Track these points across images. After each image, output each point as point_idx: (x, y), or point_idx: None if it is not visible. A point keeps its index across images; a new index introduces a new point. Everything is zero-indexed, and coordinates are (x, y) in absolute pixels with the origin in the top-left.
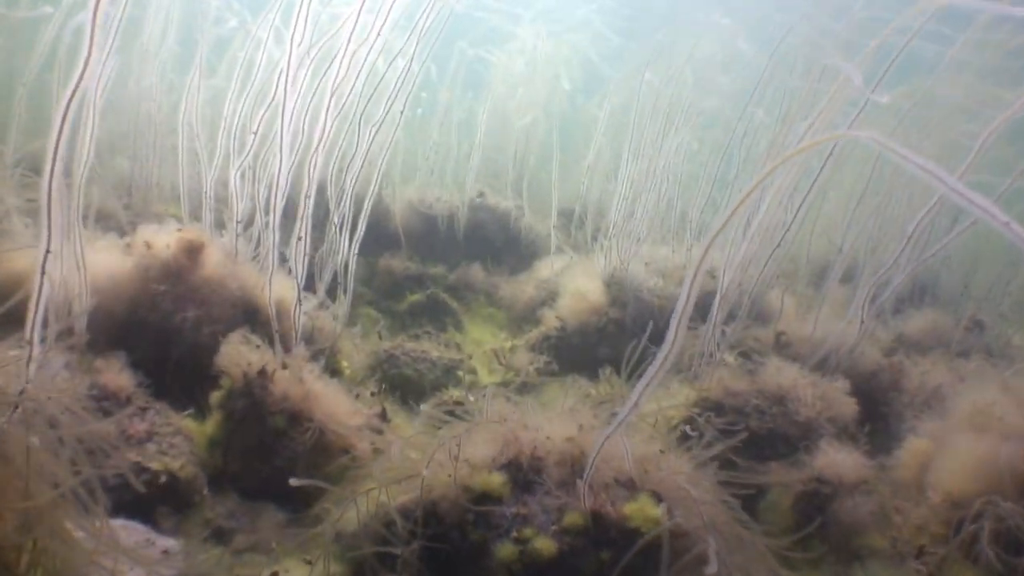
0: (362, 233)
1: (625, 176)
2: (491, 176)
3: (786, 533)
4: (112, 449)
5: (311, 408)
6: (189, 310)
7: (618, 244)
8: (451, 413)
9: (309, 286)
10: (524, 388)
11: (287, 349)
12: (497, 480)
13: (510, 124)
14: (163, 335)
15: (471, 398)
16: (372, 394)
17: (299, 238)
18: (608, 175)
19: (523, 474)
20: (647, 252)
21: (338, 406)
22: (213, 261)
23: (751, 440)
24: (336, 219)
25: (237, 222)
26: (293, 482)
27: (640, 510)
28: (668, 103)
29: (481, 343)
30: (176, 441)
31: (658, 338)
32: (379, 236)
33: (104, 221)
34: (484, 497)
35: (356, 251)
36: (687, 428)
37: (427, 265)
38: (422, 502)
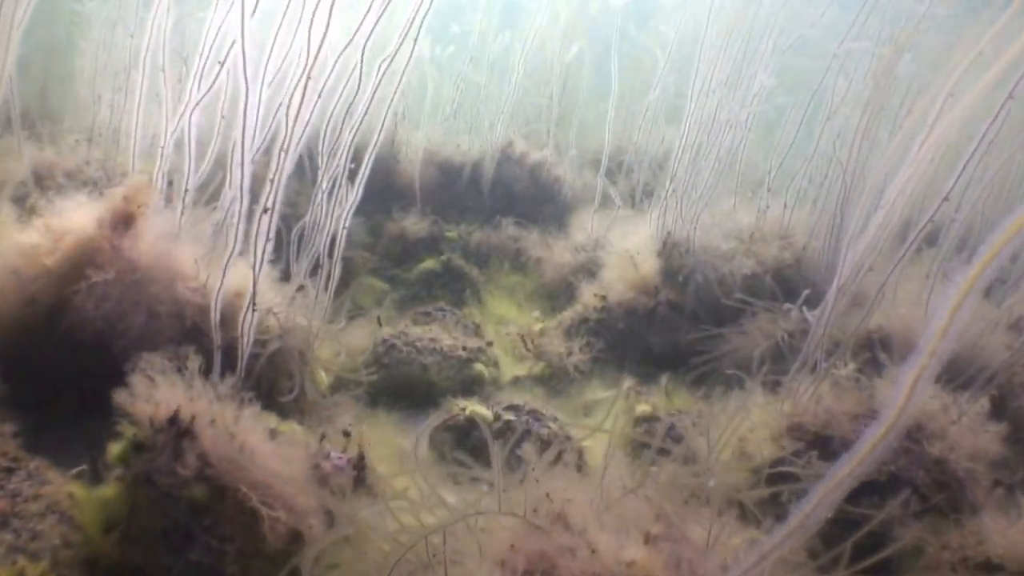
0: (358, 199)
1: (690, 118)
2: (527, 120)
3: None
4: None
5: (247, 472)
6: (97, 316)
7: (678, 201)
8: (462, 437)
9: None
10: (557, 384)
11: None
12: None
13: (551, 60)
14: (57, 357)
15: (489, 415)
16: (345, 433)
17: (265, 209)
18: (667, 118)
19: None
20: (711, 211)
21: (290, 462)
22: (145, 244)
23: (864, 486)
24: (325, 183)
25: (186, 189)
26: None
27: None
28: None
29: (505, 320)
30: (45, 526)
31: (725, 322)
32: (389, 190)
33: (70, 179)
34: None
35: (347, 225)
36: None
37: (445, 225)
38: None
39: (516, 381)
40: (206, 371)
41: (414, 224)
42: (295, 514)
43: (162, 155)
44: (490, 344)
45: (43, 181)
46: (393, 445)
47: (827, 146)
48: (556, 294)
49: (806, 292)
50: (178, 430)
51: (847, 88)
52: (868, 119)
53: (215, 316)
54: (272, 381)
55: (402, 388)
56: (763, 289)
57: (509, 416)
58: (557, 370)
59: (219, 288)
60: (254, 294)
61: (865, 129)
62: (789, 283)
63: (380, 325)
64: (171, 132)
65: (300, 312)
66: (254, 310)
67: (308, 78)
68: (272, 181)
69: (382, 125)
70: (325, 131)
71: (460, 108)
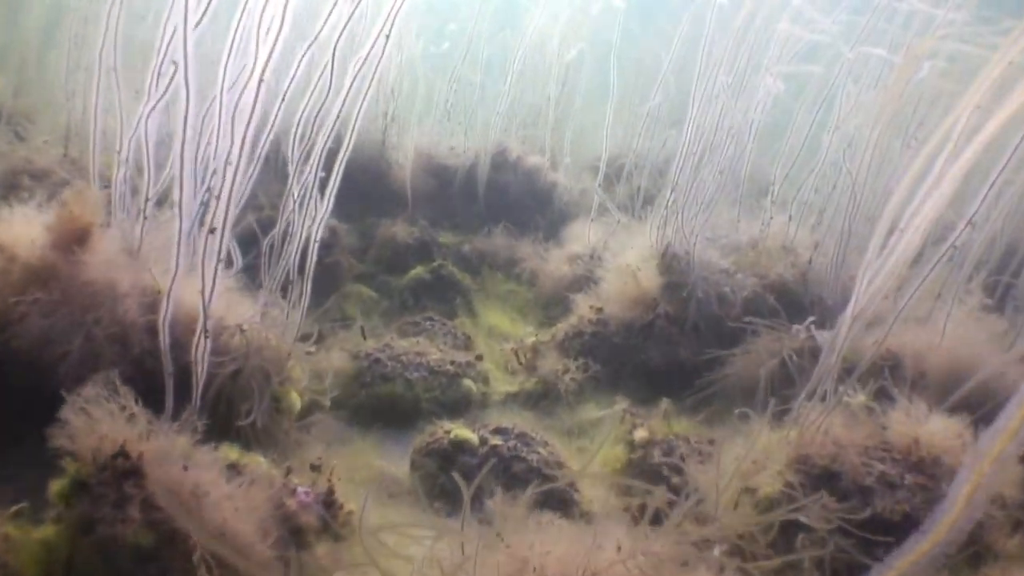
0: (329, 210)
1: (692, 124)
2: (524, 124)
3: None
4: None
5: (198, 517)
6: (38, 338)
7: (679, 211)
8: (445, 462)
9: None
10: (550, 403)
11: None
12: None
13: (549, 61)
14: None
15: (475, 438)
16: (313, 467)
17: (212, 230)
18: (670, 121)
19: None
20: (714, 223)
21: (251, 501)
22: (96, 260)
23: (876, 526)
24: (296, 191)
25: (147, 198)
26: None
27: None
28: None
29: (497, 332)
30: None
31: (726, 340)
32: (380, 193)
33: (40, 180)
34: None
35: (319, 238)
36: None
37: (437, 230)
38: None
39: (507, 398)
40: (158, 401)
41: (405, 229)
42: (252, 563)
43: (119, 162)
44: (480, 358)
45: (14, 180)
46: (373, 468)
47: (836, 156)
48: (551, 304)
49: (811, 319)
50: (123, 468)
51: (857, 95)
52: (880, 129)
53: (164, 340)
54: (236, 407)
55: (385, 406)
56: (766, 306)
57: (496, 440)
58: (550, 387)
59: (166, 310)
60: (205, 320)
61: (877, 140)
62: (794, 299)
63: (364, 337)
64: (128, 137)
65: (272, 329)
66: (206, 336)
67: (261, 80)
68: (219, 198)
69: (353, 127)
70: (295, 136)
71: (455, 109)
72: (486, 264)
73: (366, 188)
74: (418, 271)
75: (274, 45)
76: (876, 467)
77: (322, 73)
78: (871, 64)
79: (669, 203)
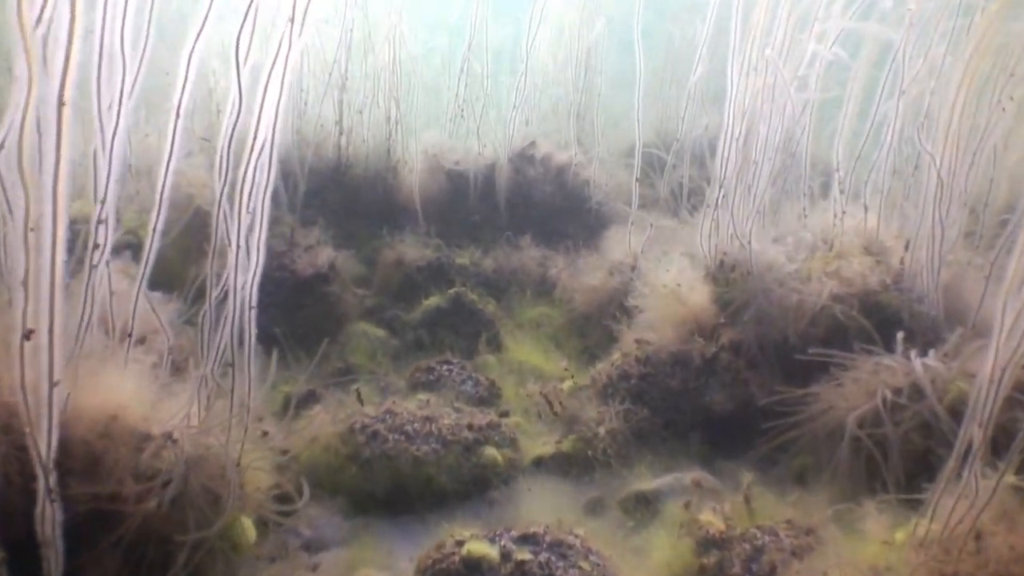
0: (260, 262)
1: (733, 105)
2: (544, 117)
3: None
4: None
5: None
6: None
7: (729, 209)
8: None
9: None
10: (592, 468)
11: None
12: None
13: (569, 44)
14: None
15: (495, 553)
16: None
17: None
18: (709, 102)
19: None
20: (769, 221)
21: None
22: None
23: None
24: (234, 233)
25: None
26: None
27: None
28: None
29: (527, 370)
30: None
31: (801, 370)
32: (387, 209)
33: None
34: None
35: (255, 304)
36: None
37: (454, 248)
38: None
39: (539, 464)
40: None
41: (416, 250)
42: None
43: None
44: (505, 415)
45: None
46: None
47: (911, 131)
48: (589, 326)
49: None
50: None
51: (928, 53)
52: (965, 93)
53: (42, 460)
54: (171, 554)
55: (389, 491)
56: (852, 324)
57: (523, 555)
58: (590, 446)
59: (48, 424)
60: (47, 482)
61: (962, 109)
62: (885, 313)
63: (361, 402)
64: None
65: (217, 429)
66: (52, 502)
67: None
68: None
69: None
70: (223, 168)
71: (467, 106)
72: (513, 283)
73: (372, 205)
74: (433, 301)
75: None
76: None
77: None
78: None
79: (718, 199)
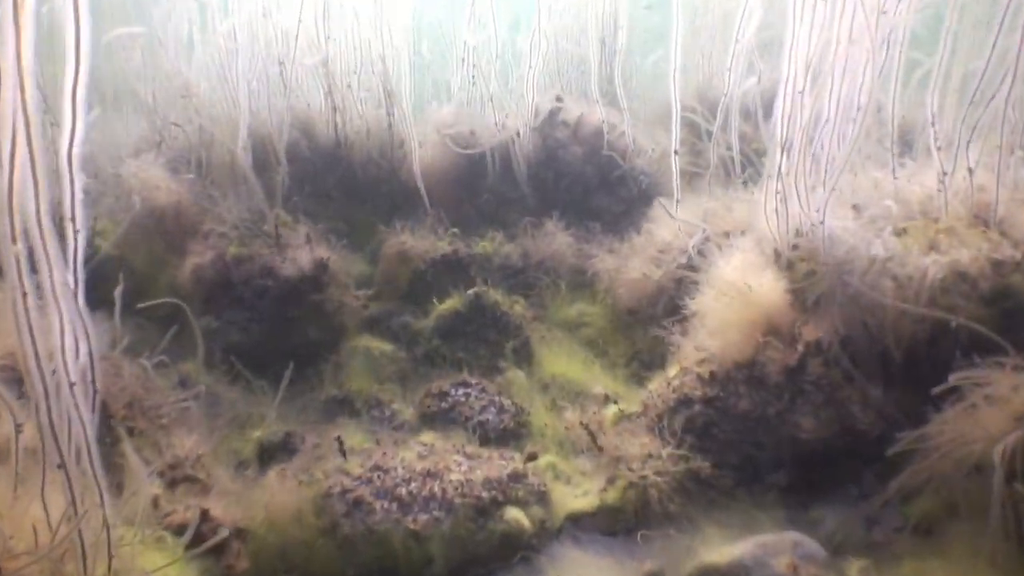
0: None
1: (795, 50)
2: (567, 81)
3: None
4: None
5: None
6: None
7: (795, 180)
8: None
9: None
10: (644, 529)
11: None
12: None
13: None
14: None
15: None
16: None
17: None
18: (760, 51)
19: None
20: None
21: None
22: None
23: None
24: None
25: None
26: None
27: None
28: None
29: (562, 384)
30: None
31: (915, 387)
32: (393, 197)
33: None
34: None
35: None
36: None
37: (470, 236)
38: None
39: (577, 522)
40: None
41: (425, 241)
42: None
43: None
44: (533, 458)
45: None
46: None
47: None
48: (636, 329)
49: None
50: None
51: None
52: None
53: None
54: None
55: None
56: (969, 317)
57: None
58: (644, 496)
59: None
60: None
61: None
62: (1016, 299)
63: (343, 455)
64: None
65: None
66: None
67: None
68: None
69: None
70: None
71: (478, 73)
72: (544, 276)
73: (374, 189)
74: (449, 304)
75: None
76: None
77: None
78: None
79: (780, 168)
